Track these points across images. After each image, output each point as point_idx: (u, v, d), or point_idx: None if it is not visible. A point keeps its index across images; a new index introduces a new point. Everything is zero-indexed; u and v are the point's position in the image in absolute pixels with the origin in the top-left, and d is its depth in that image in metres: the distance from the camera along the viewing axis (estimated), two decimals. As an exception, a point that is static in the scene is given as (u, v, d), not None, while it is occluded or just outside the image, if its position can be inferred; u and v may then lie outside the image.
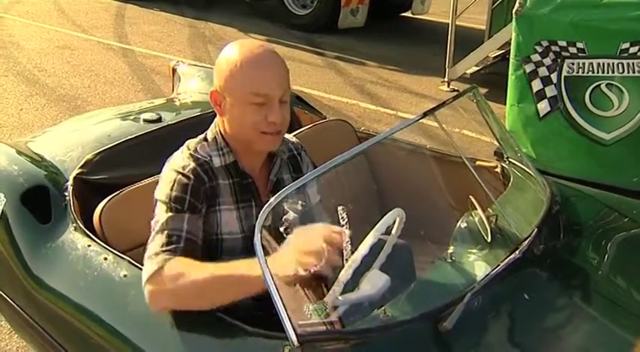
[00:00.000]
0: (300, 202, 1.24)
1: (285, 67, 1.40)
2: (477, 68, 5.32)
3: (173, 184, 1.37)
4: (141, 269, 1.40)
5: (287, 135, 1.60)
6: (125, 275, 1.43)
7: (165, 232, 1.31)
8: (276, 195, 1.16)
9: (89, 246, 1.54)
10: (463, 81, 5.26)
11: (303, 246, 1.14)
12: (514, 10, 3.40)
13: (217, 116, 1.45)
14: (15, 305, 1.68)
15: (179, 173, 1.38)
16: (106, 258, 1.49)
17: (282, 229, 1.18)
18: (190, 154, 1.41)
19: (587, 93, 3.30)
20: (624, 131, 3.26)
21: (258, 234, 1.12)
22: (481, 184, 1.44)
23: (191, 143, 1.45)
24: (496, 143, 1.89)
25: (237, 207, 1.42)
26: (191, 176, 1.37)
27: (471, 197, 1.43)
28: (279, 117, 1.35)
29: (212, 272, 1.22)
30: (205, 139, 1.45)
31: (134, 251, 1.58)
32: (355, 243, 1.20)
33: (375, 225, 1.25)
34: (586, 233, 1.52)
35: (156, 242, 1.31)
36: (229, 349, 1.20)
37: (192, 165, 1.39)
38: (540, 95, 3.44)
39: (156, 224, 1.35)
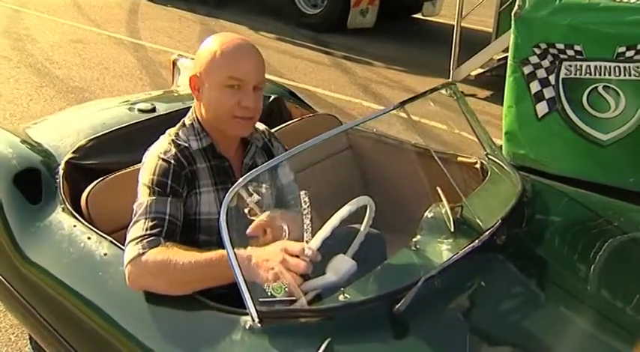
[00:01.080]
0: (264, 185, 1.30)
1: (262, 59, 1.48)
2: (482, 70, 5.34)
3: (155, 169, 1.44)
4: (121, 249, 1.47)
5: (258, 124, 1.67)
6: (105, 254, 1.50)
7: (149, 215, 1.38)
8: (244, 177, 1.22)
9: (75, 226, 1.62)
10: (468, 83, 5.29)
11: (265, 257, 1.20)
12: (513, 13, 3.44)
13: (195, 102, 1.52)
14: (4, 281, 1.76)
15: (160, 158, 1.45)
16: (89, 238, 1.56)
17: (245, 211, 1.24)
18: (172, 140, 1.49)
19: (585, 95, 3.33)
20: (621, 132, 3.29)
21: (223, 214, 1.18)
22: (449, 177, 1.48)
23: (172, 130, 1.53)
24: (476, 139, 1.93)
25: (215, 188, 1.49)
26: (172, 161, 1.44)
27: (438, 188, 1.47)
28: (251, 102, 1.43)
29: (192, 260, 1.27)
30: (184, 125, 1.53)
31: (118, 232, 1.65)
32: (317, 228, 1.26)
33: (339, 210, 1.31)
34: (552, 228, 1.56)
35: (139, 225, 1.37)
36: (192, 323, 1.26)
37: (173, 150, 1.46)
38: (538, 96, 3.47)
39: (139, 207, 1.41)
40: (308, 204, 1.21)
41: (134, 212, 1.42)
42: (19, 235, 1.68)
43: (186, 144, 1.48)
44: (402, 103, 1.53)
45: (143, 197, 1.42)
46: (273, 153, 1.64)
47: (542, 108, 3.50)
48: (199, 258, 1.27)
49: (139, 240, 1.34)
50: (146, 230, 1.35)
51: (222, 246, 1.53)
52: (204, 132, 1.51)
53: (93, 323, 1.44)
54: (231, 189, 1.20)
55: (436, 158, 1.54)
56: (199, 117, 1.52)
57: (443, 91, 1.69)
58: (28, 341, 2.19)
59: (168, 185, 1.42)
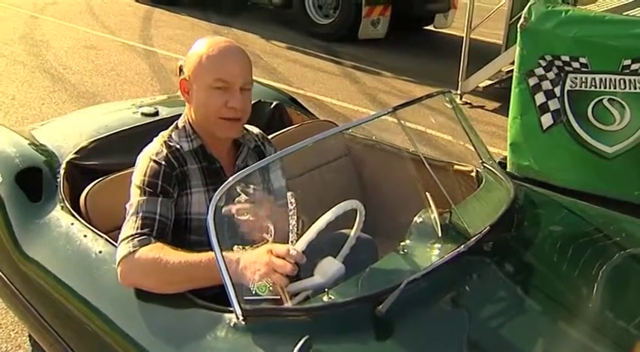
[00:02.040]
0: (252, 186, 1.32)
1: (249, 61, 1.52)
2: (491, 82, 5.35)
3: (146, 170, 1.47)
4: (115, 246, 1.50)
5: (252, 128, 1.71)
6: (100, 252, 1.53)
7: (140, 215, 1.41)
8: (233, 176, 1.25)
9: (72, 224, 1.65)
10: (476, 94, 5.30)
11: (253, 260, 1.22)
12: (519, 25, 3.45)
13: (186, 105, 1.56)
14: (4, 278, 1.80)
15: (152, 160, 1.48)
16: (85, 235, 1.60)
17: (233, 210, 1.26)
18: (163, 142, 1.53)
19: (590, 107, 3.32)
20: (626, 145, 3.27)
21: (211, 213, 1.21)
22: (438, 183, 1.50)
23: (165, 132, 1.57)
24: (471, 147, 1.95)
25: (206, 189, 1.51)
26: (162, 162, 1.48)
27: (426, 194, 1.49)
28: (238, 103, 1.46)
29: (182, 260, 1.30)
30: (177, 127, 1.57)
31: (114, 232, 1.69)
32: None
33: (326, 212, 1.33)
34: (541, 237, 1.56)
35: (130, 224, 1.41)
36: (179, 319, 1.28)
37: (165, 151, 1.50)
38: (543, 108, 3.47)
39: (130, 207, 1.44)
40: (294, 205, 1.23)
41: (126, 212, 1.45)
42: (19, 232, 1.73)
43: (178, 146, 1.52)
44: (395, 108, 1.56)
45: (134, 197, 1.46)
46: (266, 156, 1.67)
47: (547, 120, 3.49)
48: (189, 258, 1.30)
49: (130, 238, 1.37)
50: (137, 229, 1.38)
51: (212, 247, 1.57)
52: (195, 134, 1.54)
53: (86, 319, 1.47)
54: (220, 188, 1.22)
55: (426, 164, 1.55)
56: (190, 120, 1.55)
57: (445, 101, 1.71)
58: (28, 338, 2.22)
59: (158, 185, 1.46)
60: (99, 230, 1.63)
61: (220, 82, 1.45)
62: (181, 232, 1.49)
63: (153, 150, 1.51)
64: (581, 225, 1.72)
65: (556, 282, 1.40)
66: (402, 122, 1.56)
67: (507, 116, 3.91)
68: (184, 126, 1.56)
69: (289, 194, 1.24)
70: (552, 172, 3.46)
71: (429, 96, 1.70)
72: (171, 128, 1.57)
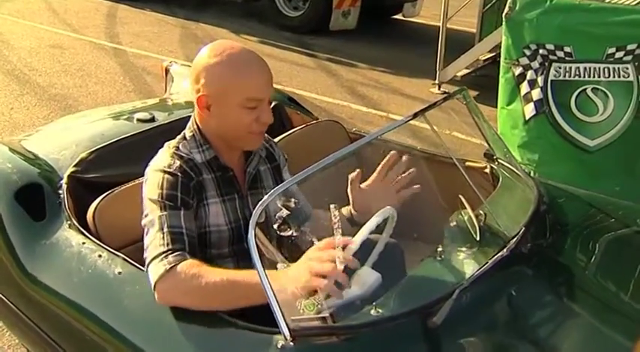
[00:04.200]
0: (293, 200, 1.26)
1: (269, 69, 1.45)
2: (468, 71, 5.37)
3: (162, 183, 1.39)
4: (135, 266, 1.43)
5: None
6: (120, 273, 1.45)
7: (165, 230, 1.33)
8: (270, 193, 1.18)
9: (83, 243, 1.56)
10: (454, 83, 5.32)
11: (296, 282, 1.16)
12: (504, 14, 3.44)
13: (196, 114, 1.48)
14: (8, 303, 1.69)
15: (166, 172, 1.40)
16: (100, 255, 1.51)
17: (275, 226, 1.21)
18: (173, 153, 1.45)
19: (573, 97, 3.32)
20: (608, 138, 3.26)
21: (252, 232, 1.14)
22: (470, 184, 1.47)
23: (171, 143, 1.49)
24: (486, 144, 1.92)
25: (222, 199, 1.46)
26: (178, 173, 1.40)
27: (460, 196, 1.46)
28: (269, 117, 1.43)
29: (224, 278, 1.23)
30: (184, 138, 1.49)
31: (128, 248, 1.60)
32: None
33: (366, 222, 1.28)
34: (573, 232, 1.56)
35: (157, 242, 1.32)
36: (222, 344, 1.22)
37: (178, 162, 1.42)
38: (527, 98, 3.47)
39: (151, 224, 1.36)
40: (338, 217, 1.18)
41: (145, 230, 1.37)
42: (24, 254, 1.62)
43: (190, 157, 1.45)
44: (421, 112, 1.51)
45: (153, 213, 1.37)
46: (276, 158, 1.63)
47: (529, 110, 3.49)
48: (230, 276, 1.24)
49: (162, 256, 1.29)
50: (167, 245, 1.30)
51: (235, 258, 1.51)
52: (207, 144, 1.46)
53: (108, 345, 1.39)
54: (258, 205, 1.16)
55: (458, 165, 1.52)
56: (201, 128, 1.47)
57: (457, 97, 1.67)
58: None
59: (178, 198, 1.38)
60: (112, 247, 1.54)
61: (252, 101, 1.39)
62: (201, 246, 1.42)
63: (164, 163, 1.42)
64: (598, 215, 1.73)
65: (596, 280, 1.39)
66: (434, 127, 1.50)
67: (487, 104, 3.92)
68: (193, 136, 1.47)
69: (332, 206, 1.18)
70: (535, 164, 3.45)
71: (446, 98, 1.65)
72: (177, 139, 1.49)
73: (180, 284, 1.25)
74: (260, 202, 1.16)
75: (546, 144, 3.41)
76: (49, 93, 4.75)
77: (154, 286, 1.27)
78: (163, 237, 1.32)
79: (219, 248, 1.46)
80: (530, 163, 3.44)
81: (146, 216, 1.39)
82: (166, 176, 1.39)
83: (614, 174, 3.24)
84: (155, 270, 1.28)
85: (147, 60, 5.66)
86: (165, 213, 1.35)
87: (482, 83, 5.04)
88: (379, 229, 1.48)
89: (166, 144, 1.50)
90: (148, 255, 1.32)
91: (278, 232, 1.21)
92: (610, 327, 1.26)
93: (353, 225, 1.48)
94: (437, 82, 5.20)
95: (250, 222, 1.15)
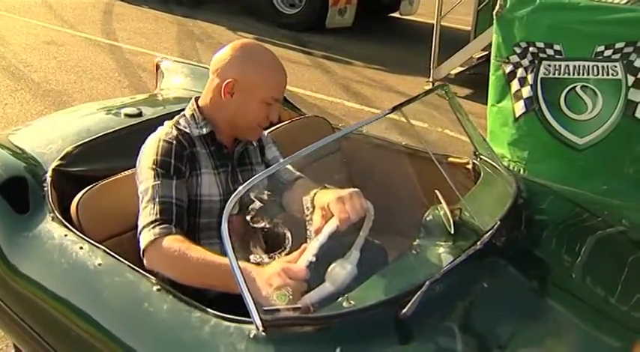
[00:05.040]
0: (267, 192, 1.28)
1: None
2: (462, 68, 5.39)
3: (158, 149, 1.48)
4: (116, 258, 1.46)
5: None
6: (100, 264, 1.46)
7: (157, 200, 1.42)
8: (244, 185, 1.20)
9: (65, 235, 1.57)
10: (448, 81, 5.32)
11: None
12: (495, 12, 3.46)
13: (206, 95, 1.56)
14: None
15: (162, 140, 1.50)
16: (81, 247, 1.52)
17: (248, 218, 1.22)
18: (173, 125, 1.55)
19: (563, 95, 3.33)
20: (597, 136, 3.26)
21: (225, 223, 1.16)
22: (447, 179, 1.49)
23: (172, 120, 1.58)
24: (467, 139, 1.94)
25: (216, 172, 1.54)
26: (173, 141, 1.50)
27: (436, 191, 1.47)
28: (277, 116, 1.55)
29: (204, 259, 1.30)
30: (184, 116, 1.58)
31: (109, 241, 1.62)
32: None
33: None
34: (550, 228, 1.58)
35: (148, 210, 1.41)
36: (196, 333, 1.23)
37: (174, 132, 1.52)
38: (517, 96, 3.48)
39: (145, 192, 1.44)
40: (310, 210, 1.19)
41: (140, 198, 1.45)
42: (7, 246, 1.63)
43: (187, 131, 1.54)
44: (399, 106, 1.52)
45: (147, 181, 1.45)
46: (262, 139, 1.71)
47: (519, 107, 3.50)
48: (209, 259, 1.29)
49: (151, 225, 1.38)
50: (156, 215, 1.39)
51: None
52: (205, 121, 1.56)
53: (88, 336, 1.41)
54: (231, 198, 1.18)
55: (434, 160, 1.53)
56: (201, 108, 1.57)
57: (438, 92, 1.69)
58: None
59: (172, 164, 1.47)
60: (93, 240, 1.56)
61: (273, 100, 1.52)
62: (191, 215, 1.50)
63: (162, 132, 1.53)
64: (582, 213, 1.74)
65: (569, 274, 1.41)
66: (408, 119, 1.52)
67: (480, 102, 3.93)
68: (193, 114, 1.57)
69: (305, 198, 1.20)
70: (524, 162, 3.46)
71: (428, 92, 1.67)
72: (177, 116, 1.59)
73: (162, 258, 1.34)
74: (234, 193, 1.18)
75: (536, 141, 3.42)
76: (43, 89, 4.76)
77: (143, 253, 1.37)
78: (154, 207, 1.40)
79: (209, 217, 1.53)
80: (519, 161, 3.45)
81: (141, 183, 1.47)
82: (162, 143, 1.50)
83: (603, 172, 3.24)
84: (143, 238, 1.37)
85: (143, 56, 5.67)
86: (157, 182, 1.44)
87: (476, 81, 5.05)
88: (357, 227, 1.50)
89: (166, 121, 1.60)
90: (140, 222, 1.41)
91: (251, 224, 1.22)
92: (582, 319, 1.28)
93: None
94: (431, 79, 5.21)
95: (223, 216, 1.16)
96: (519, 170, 3.37)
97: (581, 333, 1.26)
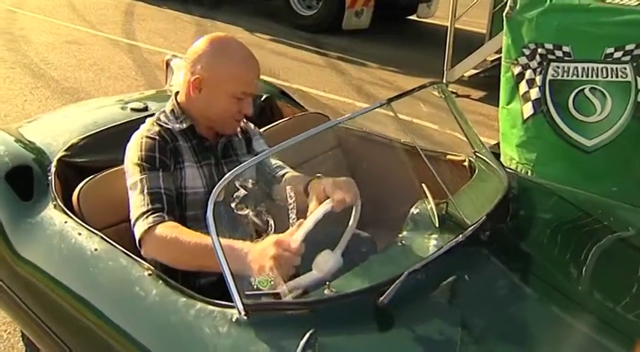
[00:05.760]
0: (251, 180, 1.32)
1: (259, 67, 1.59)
2: (476, 71, 5.38)
3: (141, 145, 1.53)
4: (111, 244, 1.51)
5: None
6: (96, 249, 1.52)
7: (146, 192, 1.46)
8: (230, 173, 1.24)
9: (66, 222, 1.64)
10: (461, 83, 5.33)
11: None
12: (504, 13, 3.46)
13: (182, 92, 1.60)
14: (-4, 278, 1.78)
15: (145, 136, 1.55)
16: (80, 234, 1.58)
17: (232, 205, 1.26)
18: (153, 122, 1.59)
19: (571, 97, 3.31)
20: (606, 138, 3.23)
21: (210, 210, 1.20)
22: (434, 174, 1.51)
23: (154, 117, 1.63)
24: (464, 138, 1.96)
25: (199, 165, 1.57)
26: (156, 137, 1.54)
27: (423, 185, 1.50)
28: (250, 110, 1.56)
29: (198, 243, 1.34)
30: (164, 112, 1.63)
31: (110, 229, 1.68)
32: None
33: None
34: (537, 225, 1.58)
35: (138, 202, 1.45)
36: (181, 316, 1.27)
37: (156, 128, 1.57)
38: (526, 97, 3.46)
39: (134, 186, 1.48)
40: (294, 198, 1.23)
41: (130, 192, 1.49)
42: (11, 231, 1.70)
43: (168, 126, 1.58)
44: (389, 100, 1.55)
45: (135, 175, 1.49)
46: (248, 131, 1.74)
47: (528, 109, 3.48)
48: (203, 242, 1.32)
49: (144, 215, 1.42)
50: (148, 205, 1.43)
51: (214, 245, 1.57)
52: (184, 116, 1.60)
53: (84, 318, 1.47)
54: (216, 186, 1.22)
55: (422, 155, 1.56)
56: (180, 104, 1.61)
57: (435, 92, 1.72)
58: (21, 338, 2.20)
59: (156, 158, 1.51)
60: (93, 227, 1.61)
61: (244, 94, 1.53)
62: (177, 207, 1.53)
63: (144, 130, 1.57)
64: (577, 213, 1.74)
65: (553, 270, 1.42)
66: (402, 116, 1.54)
67: (494, 105, 3.92)
68: (173, 110, 1.62)
69: (288, 187, 1.24)
70: (532, 164, 3.44)
71: (421, 87, 1.70)
72: (158, 113, 1.63)
73: (158, 245, 1.38)
74: (219, 181, 1.22)
75: (544, 143, 3.40)
76: (62, 86, 4.89)
77: (139, 243, 1.41)
78: (144, 198, 1.44)
79: (195, 210, 1.55)
80: (527, 163, 3.44)
81: (129, 178, 1.51)
82: (145, 140, 1.54)
83: (611, 174, 3.21)
84: (138, 229, 1.41)
85: (160, 56, 5.73)
86: (145, 175, 1.48)
87: (490, 83, 5.02)
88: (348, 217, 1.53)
89: (148, 118, 1.64)
90: (132, 215, 1.44)
91: (236, 211, 1.26)
92: (561, 310, 1.30)
93: None
94: (444, 81, 5.20)
95: (209, 202, 1.20)
96: (527, 172, 3.36)
97: (561, 327, 1.27)
